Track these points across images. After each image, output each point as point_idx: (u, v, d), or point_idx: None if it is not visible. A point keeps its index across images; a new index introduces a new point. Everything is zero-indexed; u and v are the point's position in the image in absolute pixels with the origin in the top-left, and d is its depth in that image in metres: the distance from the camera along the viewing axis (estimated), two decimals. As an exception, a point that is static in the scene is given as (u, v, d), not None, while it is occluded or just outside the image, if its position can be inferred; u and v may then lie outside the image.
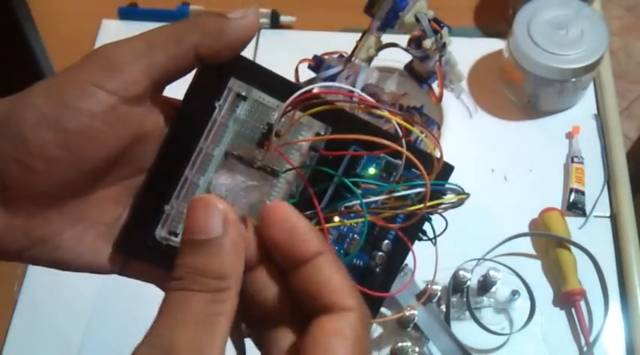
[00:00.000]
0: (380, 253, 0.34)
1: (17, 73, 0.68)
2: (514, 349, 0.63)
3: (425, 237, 0.35)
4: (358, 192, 0.32)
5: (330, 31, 0.83)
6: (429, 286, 0.62)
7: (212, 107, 0.31)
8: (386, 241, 0.34)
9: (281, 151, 0.32)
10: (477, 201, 0.74)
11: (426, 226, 0.35)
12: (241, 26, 0.30)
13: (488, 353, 0.63)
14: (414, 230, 0.35)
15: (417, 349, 0.61)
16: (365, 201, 0.31)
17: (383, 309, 0.63)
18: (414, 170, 0.32)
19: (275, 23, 0.84)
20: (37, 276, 0.67)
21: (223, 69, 0.31)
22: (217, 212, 0.26)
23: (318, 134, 0.32)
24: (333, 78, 0.53)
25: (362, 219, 0.32)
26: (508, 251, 0.67)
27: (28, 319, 0.66)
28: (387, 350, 0.61)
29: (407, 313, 0.60)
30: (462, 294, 0.64)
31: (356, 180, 0.32)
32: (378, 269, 0.34)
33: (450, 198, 0.33)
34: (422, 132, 0.32)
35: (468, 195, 0.33)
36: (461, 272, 0.62)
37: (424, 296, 0.61)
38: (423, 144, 0.32)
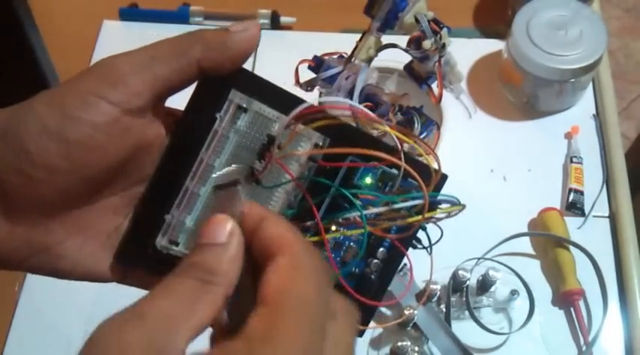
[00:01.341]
0: (375, 261, 0.35)
1: (18, 73, 0.68)
2: (513, 348, 0.63)
3: (420, 246, 0.35)
4: (358, 203, 0.32)
5: (329, 31, 0.83)
6: (428, 286, 0.62)
7: (213, 118, 0.32)
8: (381, 249, 0.35)
9: (282, 163, 0.32)
10: (476, 201, 0.74)
11: (422, 235, 0.35)
12: (243, 39, 0.30)
13: (487, 352, 0.63)
14: (408, 238, 0.35)
15: (416, 348, 0.61)
16: (365, 212, 0.32)
17: (383, 309, 0.64)
18: (410, 180, 0.33)
19: (275, 24, 0.84)
20: (37, 277, 0.67)
21: (224, 81, 0.31)
22: (226, 225, 0.27)
23: (316, 144, 0.33)
24: (333, 78, 0.53)
25: (362, 231, 0.32)
26: (507, 251, 0.68)
27: (29, 319, 0.67)
28: (386, 349, 0.62)
29: (406, 312, 0.61)
30: (462, 294, 0.64)
31: (355, 191, 0.32)
32: (373, 277, 0.35)
33: (446, 208, 0.33)
34: (416, 142, 0.32)
35: (464, 206, 0.33)
36: (460, 272, 0.63)
37: (424, 298, 0.61)
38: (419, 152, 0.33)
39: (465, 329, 0.63)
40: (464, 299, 0.63)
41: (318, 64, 0.54)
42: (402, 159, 0.31)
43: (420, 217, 0.32)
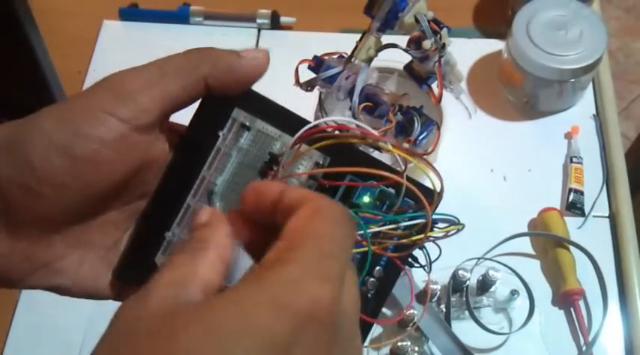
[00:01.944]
0: (371, 279, 0.35)
1: (18, 73, 0.68)
2: (513, 348, 0.63)
3: (417, 264, 0.35)
4: (362, 222, 0.32)
5: (329, 31, 0.83)
6: (428, 286, 0.62)
7: (216, 136, 0.32)
8: (377, 267, 0.35)
9: (286, 182, 0.32)
10: (477, 201, 0.75)
11: (420, 253, 0.35)
12: (251, 66, 0.30)
13: (487, 352, 0.63)
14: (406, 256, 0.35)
15: (416, 348, 0.61)
16: (369, 231, 0.31)
17: (383, 309, 0.64)
18: (406, 199, 0.33)
19: (275, 24, 0.84)
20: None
21: (228, 99, 0.31)
22: (204, 209, 0.29)
23: (317, 163, 0.33)
24: (333, 78, 0.53)
25: (365, 249, 0.32)
26: (507, 250, 0.68)
27: (29, 319, 0.67)
28: (386, 349, 0.62)
29: (407, 312, 0.61)
30: (462, 294, 0.64)
31: (356, 210, 0.32)
32: (369, 295, 0.35)
33: (445, 227, 0.33)
34: (420, 162, 0.32)
35: (463, 225, 0.33)
36: (460, 272, 0.63)
37: (426, 301, 0.61)
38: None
39: (465, 329, 0.63)
40: (464, 299, 0.63)
41: (318, 64, 0.54)
42: (404, 178, 0.31)
43: (422, 236, 0.32)
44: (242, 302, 0.22)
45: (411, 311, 0.61)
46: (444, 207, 0.32)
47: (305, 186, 0.33)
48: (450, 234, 0.33)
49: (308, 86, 0.54)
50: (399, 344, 0.60)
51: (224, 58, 0.30)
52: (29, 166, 0.28)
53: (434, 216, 0.32)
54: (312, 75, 0.54)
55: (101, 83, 0.29)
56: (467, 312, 0.63)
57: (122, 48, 0.83)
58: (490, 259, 0.66)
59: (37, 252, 0.30)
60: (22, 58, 0.67)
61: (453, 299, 0.64)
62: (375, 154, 0.32)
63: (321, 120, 0.31)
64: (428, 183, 0.33)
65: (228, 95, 0.31)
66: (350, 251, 0.26)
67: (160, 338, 0.21)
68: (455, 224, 0.33)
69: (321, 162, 0.33)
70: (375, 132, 0.31)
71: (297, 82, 0.55)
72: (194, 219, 0.28)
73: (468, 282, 0.63)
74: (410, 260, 0.35)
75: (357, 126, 0.32)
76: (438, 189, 0.32)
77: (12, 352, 0.65)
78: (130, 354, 0.21)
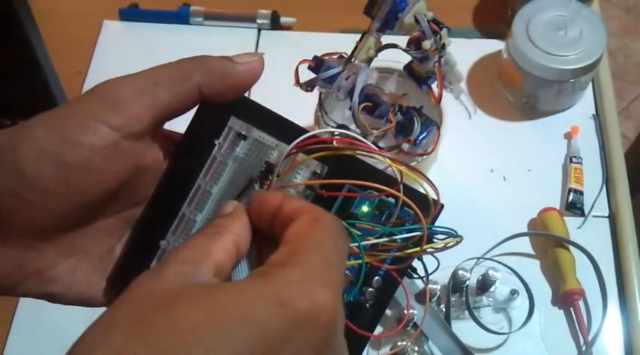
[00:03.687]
0: (370, 289, 0.34)
1: (18, 73, 0.68)
2: (513, 348, 0.63)
3: (415, 275, 0.35)
4: (356, 233, 0.32)
5: (329, 31, 0.83)
6: (427, 286, 0.62)
7: (212, 144, 0.32)
8: (376, 277, 0.34)
9: (284, 192, 0.32)
10: (476, 201, 0.75)
11: (418, 264, 0.35)
12: (245, 71, 0.30)
13: (487, 352, 0.63)
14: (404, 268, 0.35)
15: (416, 348, 0.61)
16: (363, 243, 0.31)
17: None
18: (406, 209, 0.33)
19: (275, 24, 0.84)
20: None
21: (224, 107, 0.31)
22: (232, 203, 0.31)
23: (314, 173, 0.33)
24: (333, 78, 0.53)
25: (359, 261, 0.32)
26: (507, 250, 0.68)
27: (29, 319, 0.67)
28: (386, 349, 0.62)
29: (405, 321, 0.61)
30: (461, 294, 0.64)
31: (353, 221, 0.32)
32: (367, 305, 0.35)
33: (443, 240, 0.33)
34: (418, 175, 0.32)
35: (462, 237, 0.33)
36: (460, 272, 0.63)
37: (426, 301, 0.61)
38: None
39: (464, 329, 0.63)
40: (464, 299, 0.64)
41: (318, 64, 0.54)
42: (401, 190, 0.31)
43: (418, 249, 0.32)
44: (245, 292, 0.24)
45: (411, 310, 0.61)
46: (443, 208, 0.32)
47: (302, 196, 0.33)
48: (448, 246, 0.33)
49: (308, 86, 0.55)
50: (399, 343, 0.60)
51: (217, 65, 0.30)
52: (20, 173, 0.28)
53: (432, 228, 0.32)
54: (312, 75, 0.55)
55: (92, 91, 0.29)
56: (467, 312, 0.63)
57: (122, 48, 0.83)
58: (490, 259, 0.66)
59: (29, 259, 0.30)
60: (22, 59, 0.67)
61: (452, 299, 0.64)
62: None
63: (316, 132, 0.31)
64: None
65: (223, 102, 0.30)
66: (345, 260, 0.28)
67: (164, 312, 0.23)
68: (453, 236, 0.33)
69: (318, 172, 0.33)
70: (371, 144, 0.31)
71: (297, 82, 0.55)
72: (220, 209, 0.30)
73: (467, 282, 0.63)
74: (409, 270, 0.35)
75: (354, 138, 0.32)
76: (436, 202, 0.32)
77: (12, 352, 0.65)
78: (134, 323, 0.23)
